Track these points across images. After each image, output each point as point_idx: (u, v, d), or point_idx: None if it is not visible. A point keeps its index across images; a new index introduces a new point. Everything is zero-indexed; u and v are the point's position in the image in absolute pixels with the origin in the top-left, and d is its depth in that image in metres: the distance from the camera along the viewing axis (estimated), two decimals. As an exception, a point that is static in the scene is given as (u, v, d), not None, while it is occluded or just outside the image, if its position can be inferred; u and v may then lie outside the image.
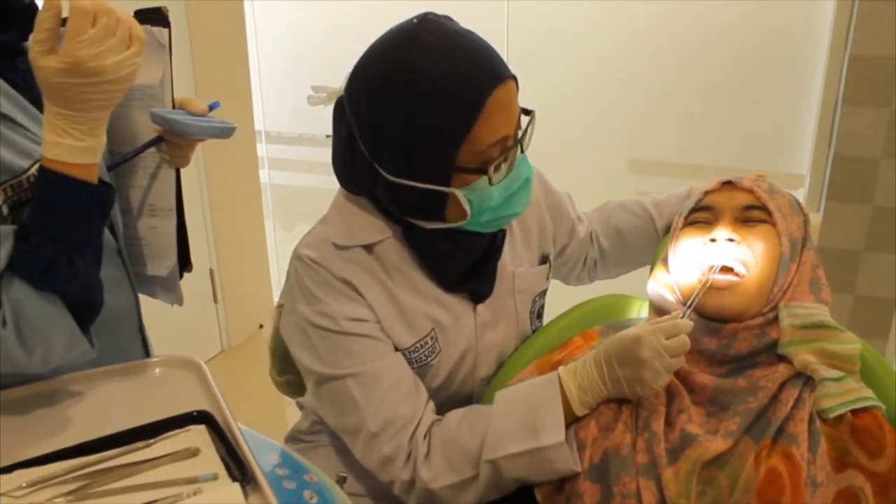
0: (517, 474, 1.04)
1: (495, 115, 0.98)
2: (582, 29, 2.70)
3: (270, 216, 3.36)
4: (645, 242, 1.39)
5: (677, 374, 1.05)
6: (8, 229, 0.90)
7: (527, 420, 1.03)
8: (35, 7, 1.02)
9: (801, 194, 2.53)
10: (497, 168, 1.01)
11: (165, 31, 1.10)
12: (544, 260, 1.29)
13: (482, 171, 1.00)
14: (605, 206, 1.45)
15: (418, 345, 1.15)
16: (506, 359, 1.25)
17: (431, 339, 1.16)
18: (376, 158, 1.04)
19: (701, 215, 1.12)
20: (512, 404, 1.07)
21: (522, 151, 1.05)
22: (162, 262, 1.23)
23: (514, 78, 1.01)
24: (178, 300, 1.27)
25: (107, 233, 1.11)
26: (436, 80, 0.96)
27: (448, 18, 1.03)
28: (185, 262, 1.26)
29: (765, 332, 1.03)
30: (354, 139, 1.06)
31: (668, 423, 1.01)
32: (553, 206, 1.31)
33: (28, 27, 1.01)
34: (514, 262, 1.23)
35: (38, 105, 1.00)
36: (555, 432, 1.01)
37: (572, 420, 1.04)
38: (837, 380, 0.99)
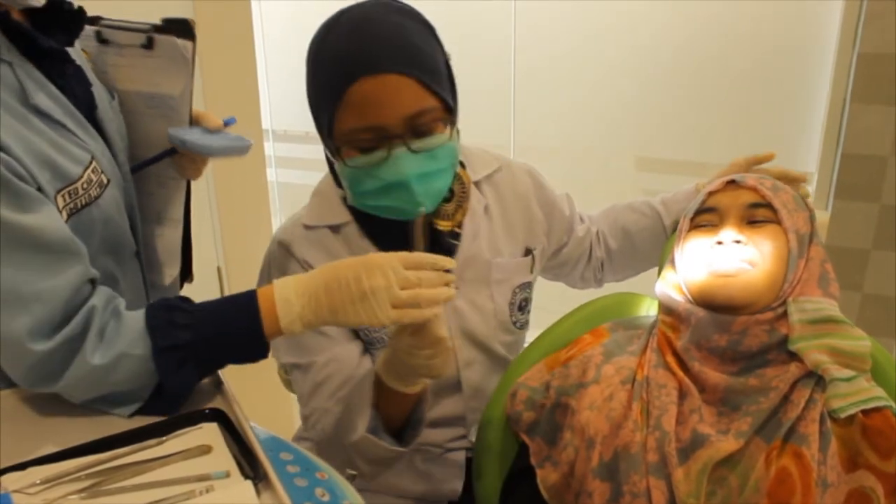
0: (367, 454, 1.12)
1: (359, 104, 1.01)
2: (588, 26, 2.70)
3: (278, 214, 3.37)
4: (653, 241, 1.39)
5: (689, 372, 1.05)
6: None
7: (350, 419, 1.12)
8: (83, 12, 1.04)
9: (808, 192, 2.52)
10: (352, 152, 1.05)
11: (190, 44, 1.10)
12: (527, 253, 1.30)
13: (346, 147, 1.05)
14: (613, 207, 1.46)
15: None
16: (486, 343, 1.26)
17: None
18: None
19: (706, 217, 1.12)
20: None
21: (411, 150, 1.04)
22: (166, 271, 1.24)
23: (409, 75, 1.01)
24: None
25: (129, 235, 1.12)
26: (322, 59, 1.05)
27: (394, 4, 1.06)
28: (186, 273, 1.28)
29: (774, 327, 1.03)
30: None
31: (680, 422, 1.01)
32: (545, 203, 1.32)
33: (75, 32, 1.03)
34: (492, 251, 1.24)
35: (82, 110, 1.02)
36: (359, 431, 1.09)
37: (400, 395, 1.07)
38: (848, 379, 0.98)
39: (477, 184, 1.25)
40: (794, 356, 1.02)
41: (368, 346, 1.21)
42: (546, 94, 2.80)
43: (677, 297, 1.11)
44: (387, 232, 1.15)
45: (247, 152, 1.17)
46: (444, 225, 1.19)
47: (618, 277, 1.48)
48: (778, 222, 1.07)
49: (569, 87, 2.77)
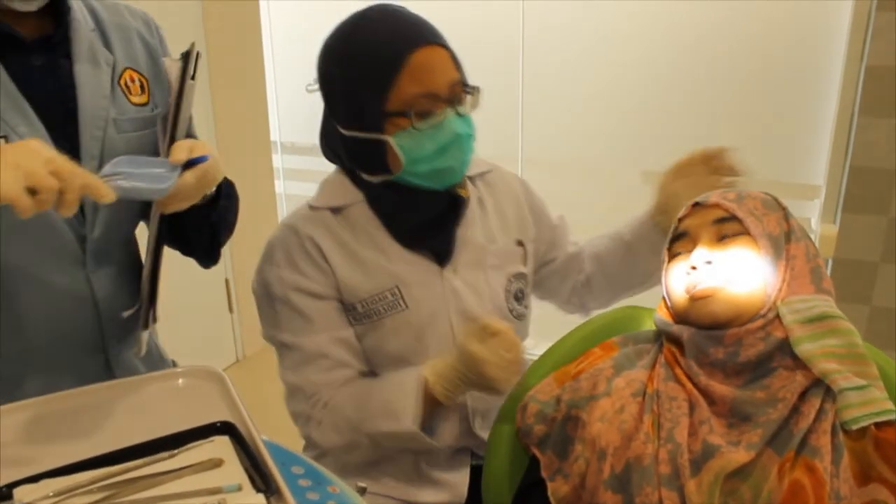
0: (391, 444, 1.24)
1: (419, 71, 1.15)
2: (596, 40, 2.71)
3: (285, 226, 3.37)
4: (621, 260, 1.42)
5: (697, 385, 1.05)
6: None
7: (392, 406, 1.20)
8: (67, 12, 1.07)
9: (817, 205, 2.52)
10: (421, 115, 1.16)
11: (175, 64, 1.06)
12: (519, 244, 1.38)
13: (407, 114, 1.15)
14: (591, 238, 1.51)
15: (376, 297, 1.25)
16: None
17: (392, 294, 1.25)
18: (332, 114, 1.23)
19: (680, 245, 1.13)
20: (388, 388, 1.22)
21: (458, 114, 1.19)
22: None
23: (446, 48, 1.18)
24: (138, 349, 1.20)
25: (69, 239, 1.10)
26: (368, 41, 1.16)
27: (401, 7, 1.22)
28: (148, 313, 1.16)
29: (769, 332, 1.02)
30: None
31: (691, 433, 1.01)
32: (534, 208, 1.42)
33: (56, 29, 1.06)
34: (486, 238, 1.33)
35: (40, 104, 1.04)
36: (409, 421, 1.17)
37: (437, 405, 1.20)
38: (860, 388, 0.98)
39: (471, 178, 1.35)
40: (800, 364, 1.01)
41: (363, 319, 1.26)
42: (552, 107, 2.81)
43: (668, 321, 1.13)
44: (398, 210, 1.25)
45: (158, 196, 0.98)
46: (465, 192, 1.30)
47: (600, 302, 1.50)
48: (748, 231, 1.07)
49: (575, 101, 2.78)
